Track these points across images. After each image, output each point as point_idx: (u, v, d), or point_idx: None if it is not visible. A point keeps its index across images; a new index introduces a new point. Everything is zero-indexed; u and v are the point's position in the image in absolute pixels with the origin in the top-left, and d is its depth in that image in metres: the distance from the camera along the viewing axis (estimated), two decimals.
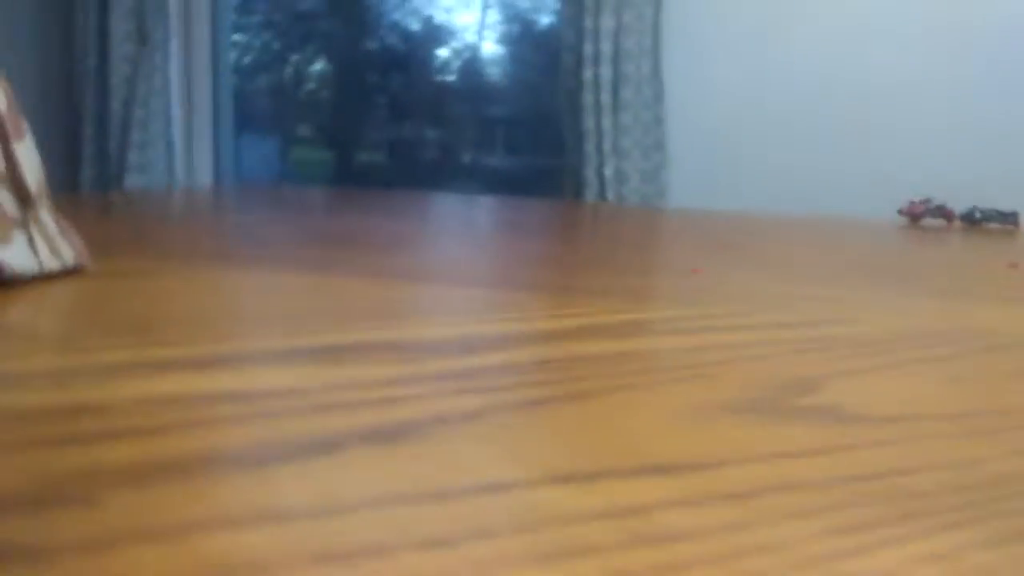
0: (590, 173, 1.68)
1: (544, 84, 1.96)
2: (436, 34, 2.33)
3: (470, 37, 2.31)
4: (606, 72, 1.64)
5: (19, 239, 0.37)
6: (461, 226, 0.80)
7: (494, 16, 2.31)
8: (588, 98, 1.66)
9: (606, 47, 1.63)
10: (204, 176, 2.03)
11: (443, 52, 2.34)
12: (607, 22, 1.63)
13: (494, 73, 2.33)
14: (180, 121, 1.96)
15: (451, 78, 2.33)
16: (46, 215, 0.40)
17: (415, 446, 0.22)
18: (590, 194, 1.69)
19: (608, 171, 1.66)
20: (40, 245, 0.38)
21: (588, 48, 1.65)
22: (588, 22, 1.64)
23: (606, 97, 1.64)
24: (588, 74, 1.65)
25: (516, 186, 2.08)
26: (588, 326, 0.37)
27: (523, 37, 2.27)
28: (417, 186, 2.10)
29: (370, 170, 2.32)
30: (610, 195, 1.67)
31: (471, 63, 2.30)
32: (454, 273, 0.49)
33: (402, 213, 0.93)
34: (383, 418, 0.24)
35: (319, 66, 2.39)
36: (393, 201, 1.13)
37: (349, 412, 0.24)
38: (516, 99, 2.26)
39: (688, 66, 1.71)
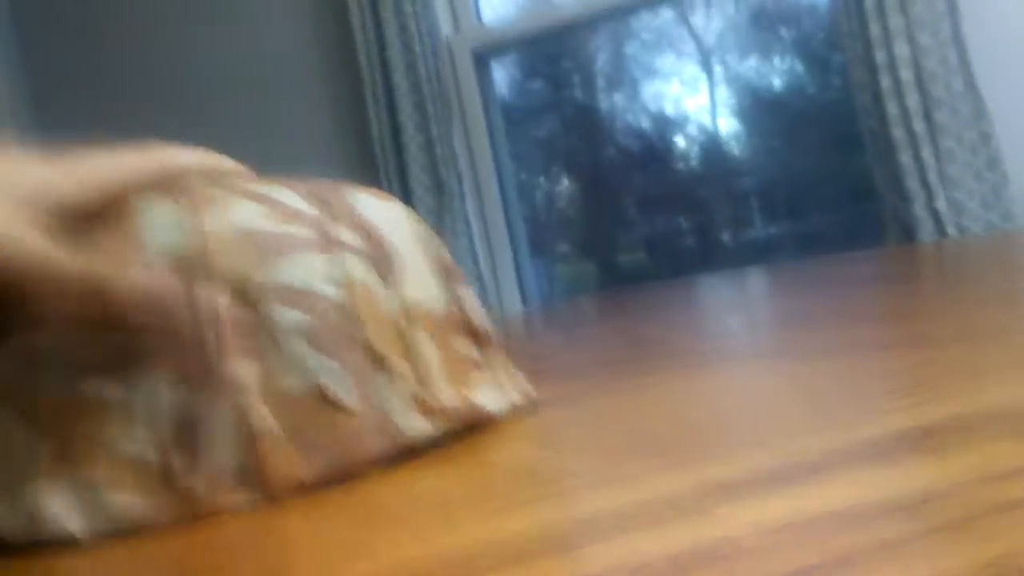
0: (919, 211, 1.51)
1: (785, 147, 1.84)
2: (669, 125, 2.31)
3: (704, 119, 2.27)
4: (912, 101, 1.50)
5: (485, 380, 0.36)
6: (859, 287, 0.69)
7: (724, 93, 2.26)
8: (898, 133, 1.52)
9: (906, 75, 1.50)
10: (511, 303, 2.07)
11: (680, 140, 2.31)
12: (901, 50, 1.50)
13: (734, 148, 2.26)
14: (483, 257, 2.03)
15: (693, 163, 2.29)
16: (498, 351, 0.39)
17: None
18: (924, 235, 1.51)
19: (940, 204, 1.49)
20: (504, 382, 0.37)
21: (885, 81, 1.52)
22: (879, 56, 1.52)
23: (919, 126, 1.50)
24: (892, 108, 1.52)
25: (787, 253, 1.94)
26: None
27: (756, 106, 2.20)
28: (681, 275, 2.03)
29: (633, 270, 2.29)
30: (950, 230, 1.49)
31: (709, 144, 2.25)
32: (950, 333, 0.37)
33: (760, 293, 0.83)
34: None
35: (566, 184, 2.43)
36: (728, 286, 1.04)
37: None
38: (762, 168, 2.17)
39: (1006, 71, 1.53)
